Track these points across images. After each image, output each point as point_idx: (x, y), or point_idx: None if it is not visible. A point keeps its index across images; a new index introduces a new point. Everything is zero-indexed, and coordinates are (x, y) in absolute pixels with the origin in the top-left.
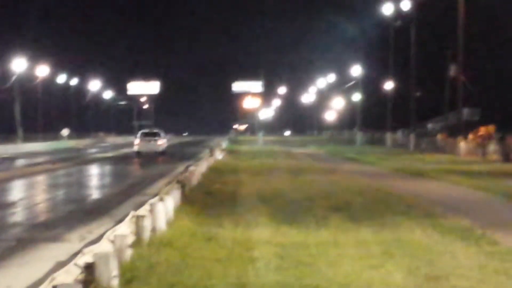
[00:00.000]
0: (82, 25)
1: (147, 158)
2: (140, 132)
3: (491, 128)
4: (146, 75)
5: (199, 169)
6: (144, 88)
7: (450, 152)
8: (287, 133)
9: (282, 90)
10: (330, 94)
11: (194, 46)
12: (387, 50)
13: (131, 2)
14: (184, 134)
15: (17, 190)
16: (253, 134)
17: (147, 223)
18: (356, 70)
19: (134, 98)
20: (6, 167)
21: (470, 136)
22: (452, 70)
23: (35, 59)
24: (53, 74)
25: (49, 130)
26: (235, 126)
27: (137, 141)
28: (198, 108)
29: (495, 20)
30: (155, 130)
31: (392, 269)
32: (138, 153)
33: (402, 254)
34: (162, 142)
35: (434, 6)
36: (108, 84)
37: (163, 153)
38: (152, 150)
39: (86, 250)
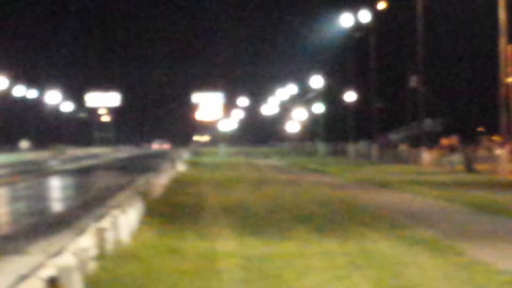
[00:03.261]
0: (40, 36)
1: (107, 171)
2: (155, 140)
3: (453, 139)
4: (105, 87)
5: (161, 181)
6: (104, 100)
7: (413, 162)
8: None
9: (243, 101)
10: (292, 105)
11: (154, 58)
12: (348, 61)
13: (89, 14)
14: (146, 146)
15: None
16: (215, 145)
17: (109, 236)
18: (317, 81)
19: (94, 110)
20: None
21: (443, 141)
22: (413, 81)
23: None
24: (11, 86)
25: (8, 143)
26: (197, 138)
27: (154, 144)
28: (159, 120)
29: (455, 31)
30: (164, 139)
31: (358, 281)
32: (155, 151)
33: (368, 266)
34: (167, 145)
35: (394, 17)
36: (67, 95)
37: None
38: (162, 149)
39: (48, 263)
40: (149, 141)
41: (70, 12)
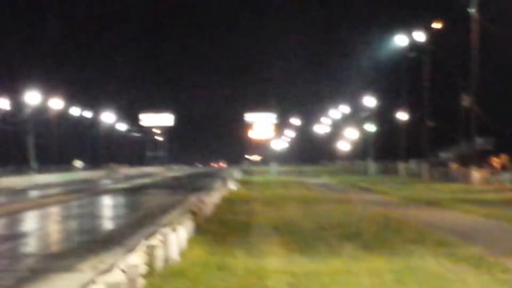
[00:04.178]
0: (95, 57)
1: (159, 190)
2: (214, 159)
3: (504, 158)
4: (158, 107)
5: (212, 199)
6: (157, 120)
7: (463, 181)
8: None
9: (295, 121)
10: (344, 125)
11: (207, 78)
12: (401, 81)
13: (142, 34)
14: (198, 165)
15: (30, 221)
16: (267, 164)
17: (159, 253)
18: (369, 101)
19: (147, 130)
20: (20, 198)
21: (493, 160)
22: (465, 100)
23: (48, 91)
24: (67, 107)
25: (62, 162)
26: (249, 157)
27: (213, 163)
28: (211, 139)
29: (509, 50)
30: (220, 158)
31: None
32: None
33: (415, 282)
34: (223, 164)
35: (448, 37)
36: (121, 116)
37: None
38: (219, 167)
39: (98, 279)
40: (204, 160)
41: (124, 35)
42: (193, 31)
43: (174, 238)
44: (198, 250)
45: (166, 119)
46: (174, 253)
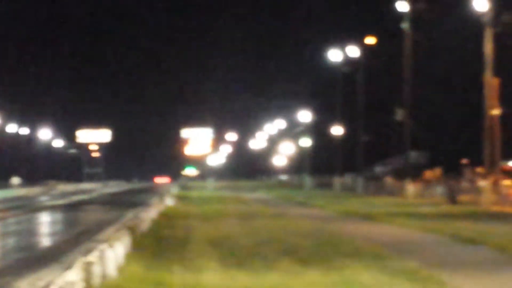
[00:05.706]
0: (31, 73)
1: (97, 206)
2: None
3: (438, 171)
4: (95, 123)
5: (149, 215)
6: (94, 136)
7: (398, 194)
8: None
9: (231, 136)
10: (280, 139)
11: (144, 94)
12: (336, 95)
13: (80, 52)
14: (135, 181)
15: None
16: (204, 179)
17: (96, 269)
18: (304, 116)
19: (84, 146)
20: None
21: (427, 173)
22: (399, 114)
23: None
24: (3, 124)
25: None
26: (185, 173)
27: (156, 179)
28: (148, 155)
29: (441, 63)
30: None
31: None
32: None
33: None
34: (166, 180)
35: (382, 52)
36: (58, 132)
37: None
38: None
39: None
40: (143, 176)
41: (61, 51)
42: (129, 45)
43: (111, 254)
44: (135, 266)
45: (103, 135)
46: (112, 269)
